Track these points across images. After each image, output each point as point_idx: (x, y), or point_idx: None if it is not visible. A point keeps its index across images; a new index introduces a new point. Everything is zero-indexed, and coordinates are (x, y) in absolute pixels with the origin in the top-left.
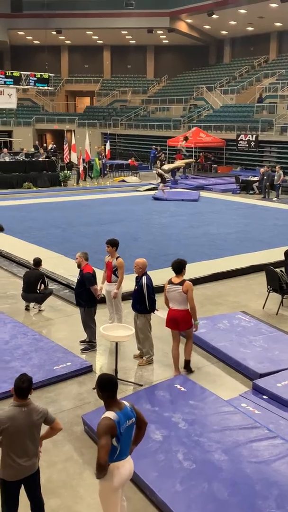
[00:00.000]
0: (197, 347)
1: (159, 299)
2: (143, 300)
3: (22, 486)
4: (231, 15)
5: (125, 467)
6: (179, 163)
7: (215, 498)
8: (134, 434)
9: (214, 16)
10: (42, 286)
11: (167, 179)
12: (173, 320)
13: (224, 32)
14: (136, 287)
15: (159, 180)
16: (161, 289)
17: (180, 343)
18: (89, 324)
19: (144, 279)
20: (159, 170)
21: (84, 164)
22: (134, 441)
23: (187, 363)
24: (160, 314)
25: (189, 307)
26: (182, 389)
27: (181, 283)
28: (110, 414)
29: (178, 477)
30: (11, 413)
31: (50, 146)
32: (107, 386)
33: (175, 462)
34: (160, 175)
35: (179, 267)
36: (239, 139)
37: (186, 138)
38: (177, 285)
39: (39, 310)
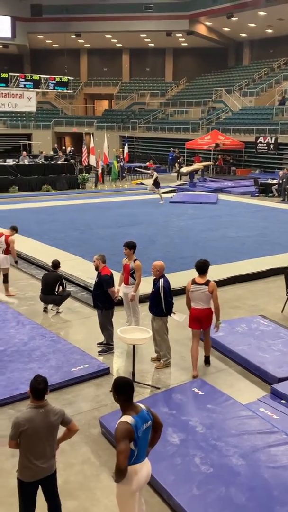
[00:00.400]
0: (215, 350)
1: (176, 302)
2: (159, 303)
3: (40, 487)
4: (251, 18)
5: (142, 470)
6: (197, 165)
7: (232, 502)
8: (150, 436)
9: (234, 18)
10: (60, 288)
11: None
12: (197, 320)
13: (243, 35)
14: (153, 290)
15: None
16: (178, 292)
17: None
18: (106, 326)
19: (161, 281)
20: (182, 169)
21: (103, 165)
22: (150, 443)
23: (207, 358)
24: (176, 318)
25: (213, 306)
26: (200, 392)
27: (206, 283)
28: (127, 419)
29: (195, 481)
30: (29, 415)
31: (68, 149)
32: (123, 390)
33: (192, 466)
34: (154, 179)
35: (203, 267)
36: (258, 141)
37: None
38: (202, 285)
39: (57, 312)
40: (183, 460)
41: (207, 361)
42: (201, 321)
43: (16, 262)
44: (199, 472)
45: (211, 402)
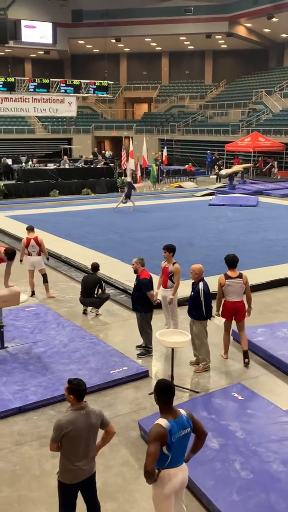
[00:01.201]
0: (254, 355)
1: (215, 305)
2: (199, 306)
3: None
4: None
5: (177, 475)
6: (237, 167)
7: (273, 509)
8: (193, 443)
9: (274, 19)
10: (100, 290)
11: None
12: (234, 311)
13: (284, 35)
14: (192, 293)
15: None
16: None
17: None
18: (145, 329)
19: (200, 285)
20: (222, 172)
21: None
22: (192, 450)
23: (245, 352)
24: (216, 321)
25: (246, 296)
26: (240, 397)
27: (240, 276)
28: (162, 422)
29: (235, 486)
30: (71, 417)
31: (107, 153)
32: (163, 392)
33: (232, 471)
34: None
35: (235, 261)
36: None
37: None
38: (237, 278)
39: (96, 314)
40: (222, 465)
41: (246, 356)
42: (236, 313)
43: (47, 259)
44: (239, 478)
45: (251, 407)
